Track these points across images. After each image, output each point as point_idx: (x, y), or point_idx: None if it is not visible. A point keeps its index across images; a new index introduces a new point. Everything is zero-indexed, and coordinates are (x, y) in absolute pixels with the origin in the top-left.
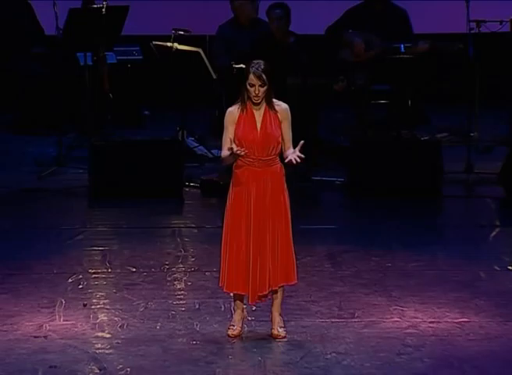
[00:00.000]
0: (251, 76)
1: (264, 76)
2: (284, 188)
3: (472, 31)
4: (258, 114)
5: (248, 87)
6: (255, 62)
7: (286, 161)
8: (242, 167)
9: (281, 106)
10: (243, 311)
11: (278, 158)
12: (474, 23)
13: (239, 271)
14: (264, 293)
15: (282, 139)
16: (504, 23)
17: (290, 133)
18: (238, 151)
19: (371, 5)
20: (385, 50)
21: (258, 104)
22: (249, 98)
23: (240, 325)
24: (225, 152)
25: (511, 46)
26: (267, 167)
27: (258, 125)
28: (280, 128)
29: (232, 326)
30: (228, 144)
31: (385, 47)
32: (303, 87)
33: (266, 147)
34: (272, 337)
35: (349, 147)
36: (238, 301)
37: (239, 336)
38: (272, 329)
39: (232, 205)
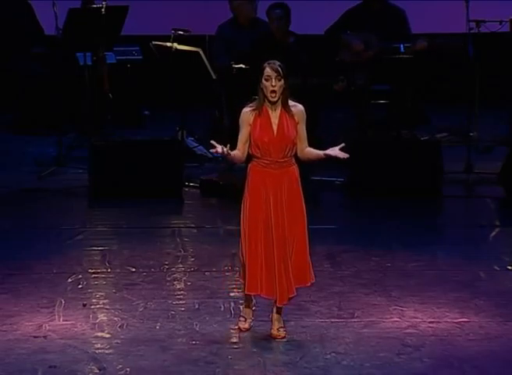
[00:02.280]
0: (267, 70)
1: (280, 70)
2: (300, 189)
3: (472, 31)
4: (274, 116)
5: (264, 81)
6: (270, 61)
7: (326, 153)
8: (258, 169)
9: (297, 107)
10: (252, 306)
11: (293, 159)
12: (474, 23)
13: (259, 273)
14: (294, 295)
15: (299, 139)
16: (504, 22)
17: (305, 133)
18: (222, 152)
19: (370, 5)
20: (383, 50)
21: (275, 102)
22: (265, 98)
23: (251, 317)
24: (236, 152)
25: (511, 46)
26: (283, 169)
27: (275, 127)
28: (296, 129)
29: (242, 319)
30: (241, 144)
31: (383, 47)
32: (303, 87)
33: (282, 149)
34: (271, 337)
35: (349, 147)
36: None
37: (249, 329)
38: (271, 329)
39: (250, 207)
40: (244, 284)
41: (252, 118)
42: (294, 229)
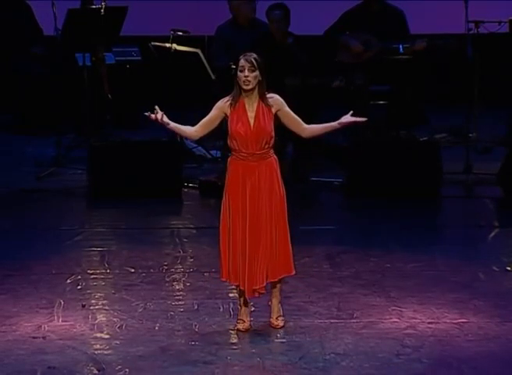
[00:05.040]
0: (242, 61)
1: (254, 62)
2: (279, 180)
3: (471, 32)
4: (251, 109)
5: (239, 72)
6: (247, 53)
7: (341, 121)
8: (236, 161)
9: (274, 97)
10: (248, 305)
11: (272, 151)
12: (473, 24)
13: (235, 264)
14: (261, 286)
15: (292, 123)
16: (503, 23)
17: (294, 114)
18: (156, 119)
19: (369, 5)
20: (382, 50)
21: (251, 94)
22: (241, 90)
23: (249, 318)
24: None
25: (510, 46)
26: (261, 160)
27: (251, 120)
28: (273, 122)
29: (240, 321)
30: (200, 125)
31: (382, 47)
32: (302, 87)
33: (259, 141)
34: (270, 326)
35: (348, 147)
36: (243, 296)
37: (249, 330)
38: (270, 318)
39: (228, 199)
40: (227, 275)
41: (228, 109)
42: (275, 218)
